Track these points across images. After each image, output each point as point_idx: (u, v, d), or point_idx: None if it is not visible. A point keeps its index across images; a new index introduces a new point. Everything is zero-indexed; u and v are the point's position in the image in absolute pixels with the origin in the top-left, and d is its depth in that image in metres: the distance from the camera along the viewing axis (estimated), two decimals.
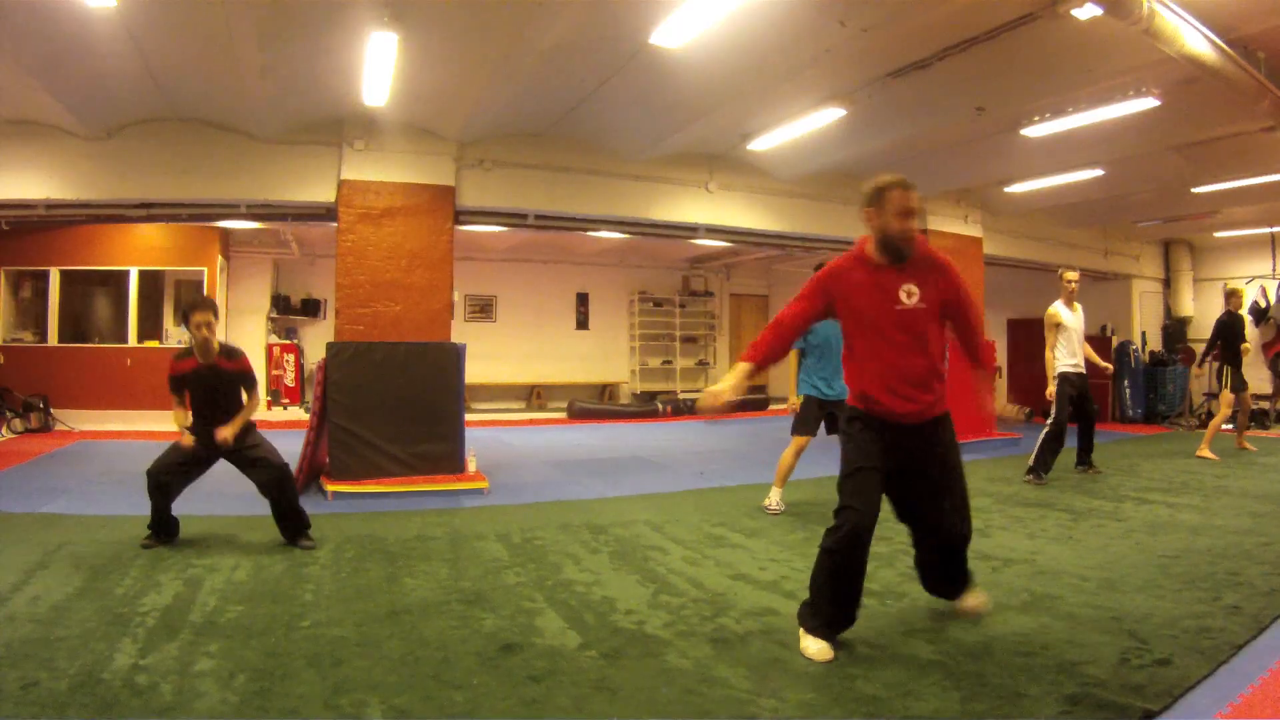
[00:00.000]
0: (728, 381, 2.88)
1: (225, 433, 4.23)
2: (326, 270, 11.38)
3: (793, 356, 5.30)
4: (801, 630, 2.92)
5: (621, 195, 8.69)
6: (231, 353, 4.41)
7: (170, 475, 4.27)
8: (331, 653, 2.84)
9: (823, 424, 5.28)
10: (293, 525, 4.41)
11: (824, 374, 5.23)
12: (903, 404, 2.89)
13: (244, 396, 4.46)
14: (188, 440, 4.26)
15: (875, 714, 2.38)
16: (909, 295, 2.88)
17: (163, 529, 4.33)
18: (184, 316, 4.34)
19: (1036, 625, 3.09)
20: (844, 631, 2.92)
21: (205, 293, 10.63)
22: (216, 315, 4.32)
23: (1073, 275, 6.77)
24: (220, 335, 4.43)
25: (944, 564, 3.14)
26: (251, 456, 4.36)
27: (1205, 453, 7.92)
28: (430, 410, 6.26)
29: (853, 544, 2.80)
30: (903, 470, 2.93)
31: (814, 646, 2.83)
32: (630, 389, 15.46)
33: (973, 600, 3.15)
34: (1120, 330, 13.19)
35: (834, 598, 2.87)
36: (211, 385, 4.33)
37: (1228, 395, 8.01)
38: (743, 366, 2.93)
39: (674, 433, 10.88)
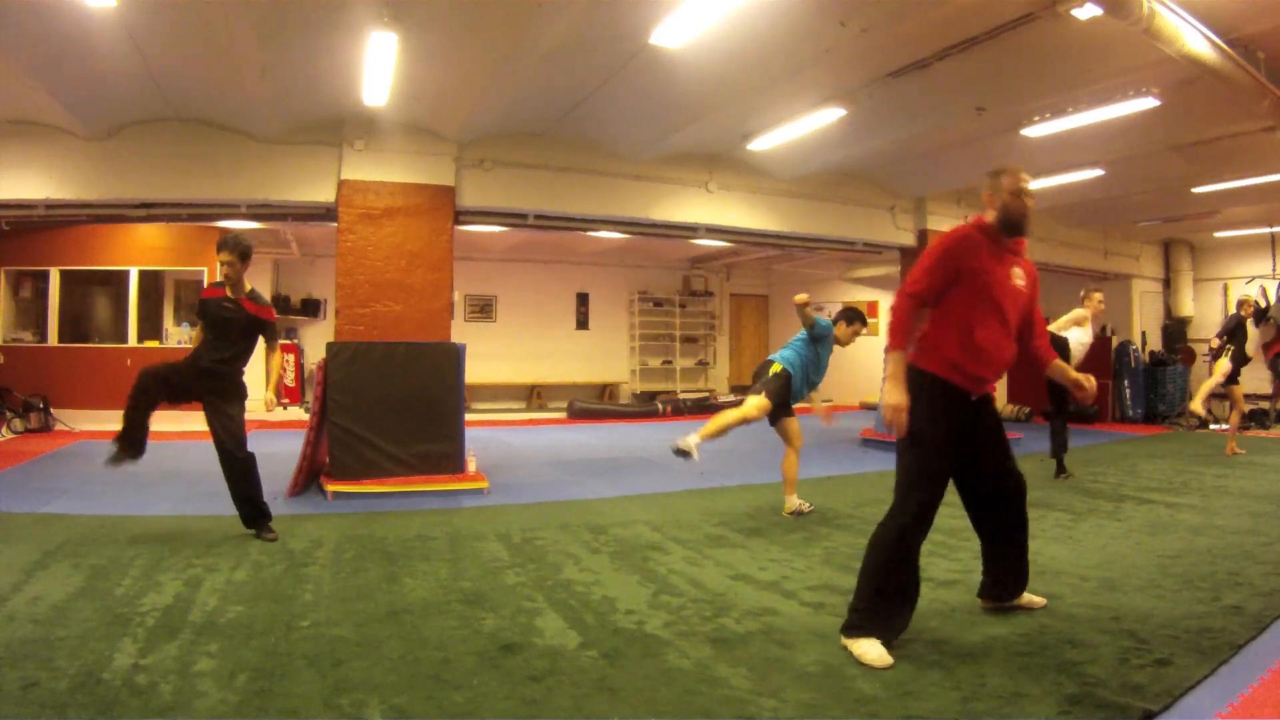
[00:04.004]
0: (896, 384, 2.80)
1: (268, 396, 4.52)
2: (326, 270, 11.39)
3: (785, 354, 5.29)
4: (853, 640, 2.80)
5: (621, 195, 8.68)
6: (257, 298, 4.64)
7: (158, 384, 4.50)
8: (331, 653, 2.84)
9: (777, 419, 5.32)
10: (247, 513, 4.60)
11: (810, 369, 5.25)
12: (993, 377, 3.03)
13: (268, 350, 4.67)
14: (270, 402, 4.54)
15: (875, 714, 2.38)
16: (1019, 278, 3.04)
17: (134, 441, 4.50)
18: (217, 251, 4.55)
19: (1036, 625, 3.09)
20: (902, 632, 2.86)
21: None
22: (243, 258, 4.49)
23: (1099, 296, 6.77)
24: None
25: (1013, 535, 3.16)
26: (219, 432, 4.51)
27: (1234, 448, 8.21)
28: (430, 410, 6.25)
29: (922, 523, 2.85)
30: (973, 431, 3.02)
31: (873, 652, 2.73)
32: (630, 389, 15.47)
33: (1035, 597, 3.31)
34: (1120, 330, 13.19)
35: (901, 586, 2.84)
36: (226, 319, 4.53)
37: (1237, 390, 8.18)
38: (897, 356, 2.85)
39: (674, 433, 10.84)
